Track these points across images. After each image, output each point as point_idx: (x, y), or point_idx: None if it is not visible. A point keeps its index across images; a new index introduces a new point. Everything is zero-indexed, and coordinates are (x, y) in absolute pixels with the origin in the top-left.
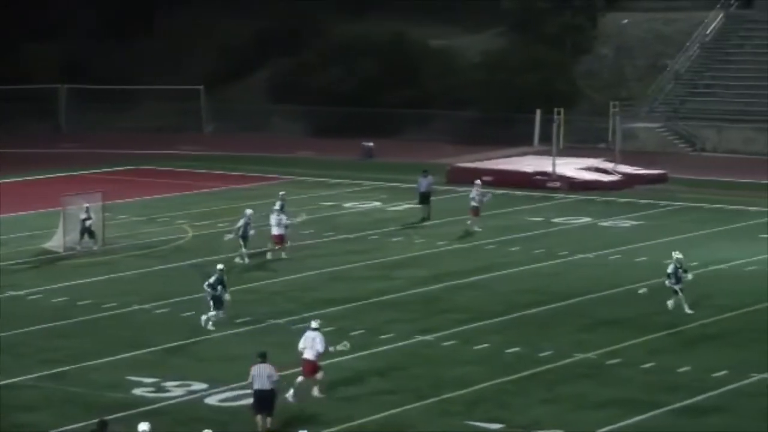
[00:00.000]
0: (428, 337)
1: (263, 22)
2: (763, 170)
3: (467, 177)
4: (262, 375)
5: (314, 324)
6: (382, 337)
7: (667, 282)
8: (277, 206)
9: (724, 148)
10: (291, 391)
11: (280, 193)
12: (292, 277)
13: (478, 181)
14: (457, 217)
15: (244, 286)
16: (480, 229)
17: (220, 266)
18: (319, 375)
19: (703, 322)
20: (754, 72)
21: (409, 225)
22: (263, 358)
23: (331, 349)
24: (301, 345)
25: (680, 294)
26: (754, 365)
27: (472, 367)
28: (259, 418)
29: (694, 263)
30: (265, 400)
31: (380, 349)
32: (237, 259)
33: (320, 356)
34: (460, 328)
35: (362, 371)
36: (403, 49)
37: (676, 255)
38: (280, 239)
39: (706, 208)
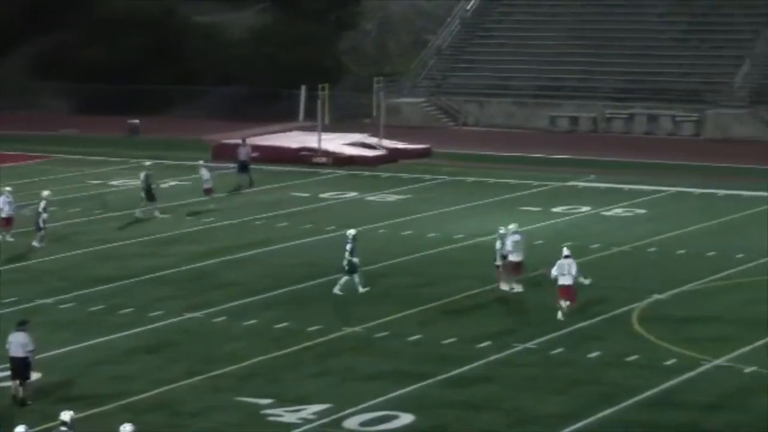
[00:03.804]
0: (198, 314)
1: None
2: (523, 143)
3: (233, 153)
4: (16, 343)
5: (566, 251)
6: (153, 314)
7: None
8: (8, 188)
9: (486, 123)
10: (560, 314)
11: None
12: (63, 255)
13: (201, 162)
14: (224, 193)
15: (14, 265)
16: (214, 207)
17: (351, 232)
18: (568, 303)
19: (467, 294)
20: (513, 47)
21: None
22: (21, 326)
23: (582, 280)
24: (554, 272)
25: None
26: (516, 335)
27: (242, 342)
28: (12, 385)
29: (459, 235)
30: (17, 368)
31: (151, 326)
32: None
33: (575, 279)
34: (230, 304)
35: (133, 348)
36: (168, 25)
37: (503, 230)
38: (8, 222)
39: (468, 181)
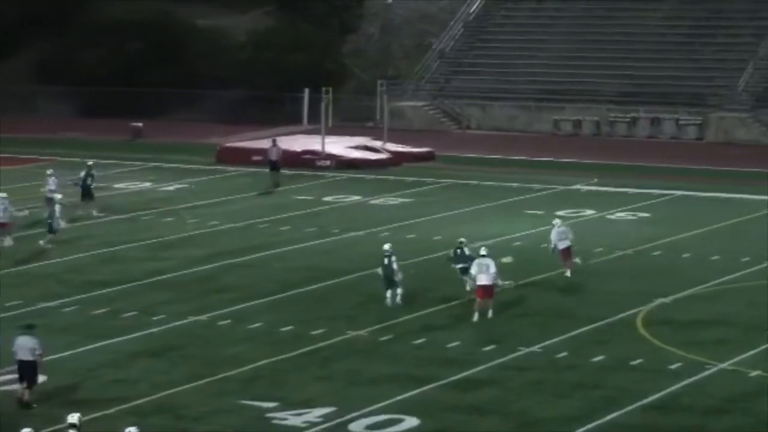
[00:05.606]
0: (202, 317)
1: (28, 2)
2: (526, 147)
3: (236, 157)
4: (24, 346)
5: (483, 251)
6: (156, 318)
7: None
8: (2, 195)
9: (488, 126)
10: (476, 314)
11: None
12: (65, 259)
13: (49, 171)
14: (228, 197)
15: (15, 269)
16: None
17: (387, 246)
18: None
19: (472, 297)
20: (516, 51)
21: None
22: (27, 329)
23: (499, 282)
24: (474, 271)
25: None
26: (521, 339)
27: (246, 345)
28: (19, 388)
29: (462, 239)
30: (25, 371)
31: (154, 329)
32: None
33: (495, 278)
34: (234, 308)
35: (136, 352)
36: (169, 28)
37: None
38: (4, 227)
39: (472, 184)
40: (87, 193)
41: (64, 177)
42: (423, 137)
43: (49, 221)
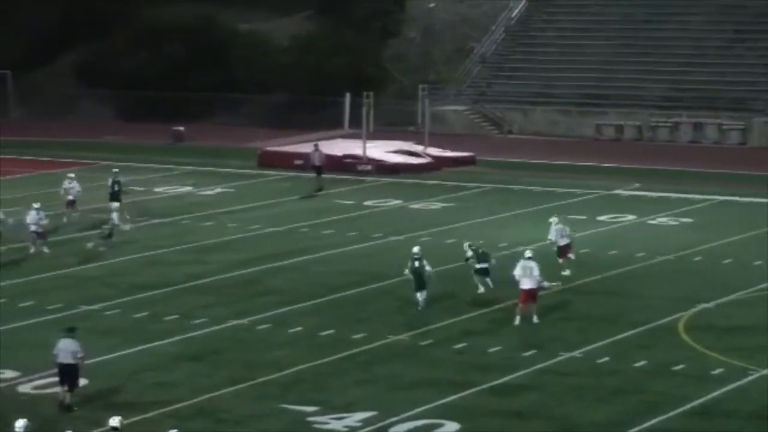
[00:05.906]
0: (243, 321)
1: (70, 5)
2: (568, 152)
3: (277, 161)
4: (66, 350)
5: (528, 253)
6: (196, 321)
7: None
8: (36, 205)
9: (530, 131)
10: (518, 318)
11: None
12: (106, 262)
13: (71, 175)
14: (269, 200)
15: (58, 272)
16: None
17: (416, 249)
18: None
19: (513, 302)
20: (558, 55)
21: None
22: (69, 332)
23: (546, 284)
24: (518, 274)
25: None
26: (563, 344)
27: (287, 350)
28: (60, 391)
29: (503, 244)
30: (66, 374)
31: (195, 333)
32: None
33: (540, 281)
34: (275, 312)
35: (177, 356)
36: (211, 32)
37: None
38: (42, 235)
39: (513, 189)
40: (114, 200)
41: (99, 181)
42: (464, 142)
43: (108, 228)
